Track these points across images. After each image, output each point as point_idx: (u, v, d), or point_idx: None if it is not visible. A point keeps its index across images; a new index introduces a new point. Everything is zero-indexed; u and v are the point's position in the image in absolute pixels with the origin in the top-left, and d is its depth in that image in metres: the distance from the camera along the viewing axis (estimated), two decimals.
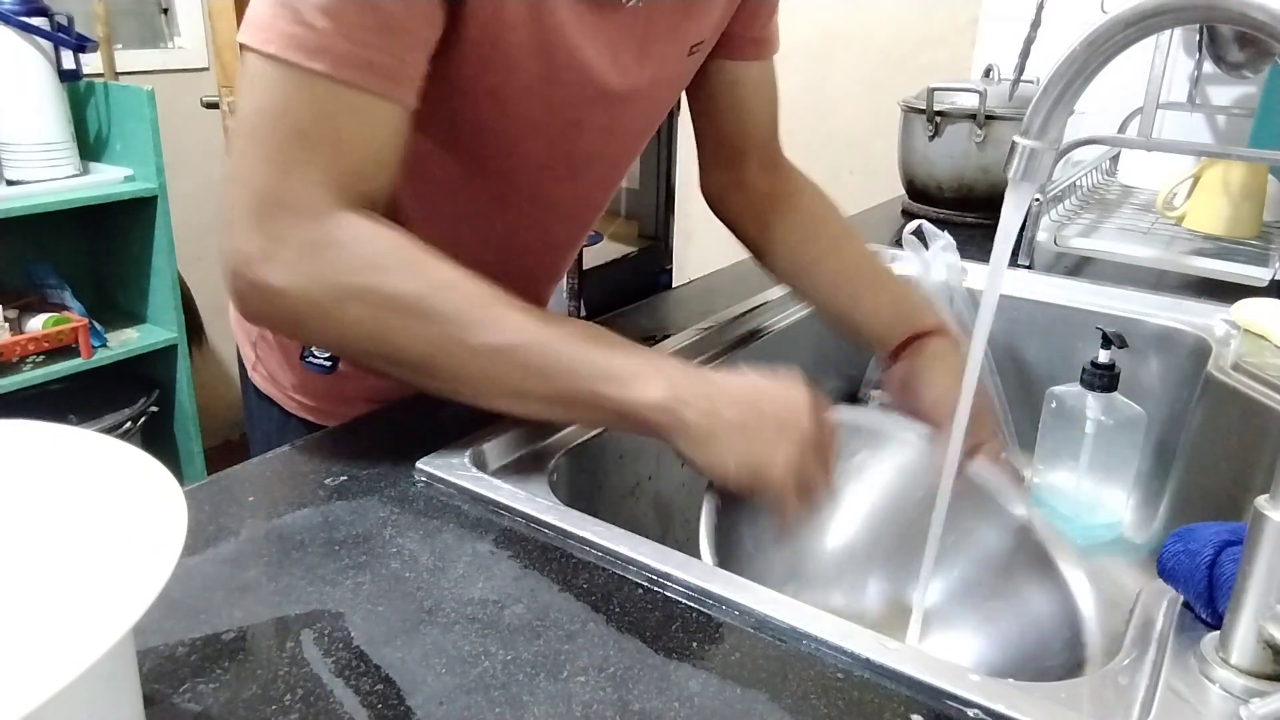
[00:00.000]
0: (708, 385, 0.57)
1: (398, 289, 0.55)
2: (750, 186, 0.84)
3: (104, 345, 1.92)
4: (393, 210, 0.60)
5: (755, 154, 0.84)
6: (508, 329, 0.55)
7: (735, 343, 0.85)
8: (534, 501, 0.54)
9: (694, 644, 0.44)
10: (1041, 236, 1.07)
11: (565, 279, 1.30)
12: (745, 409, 0.56)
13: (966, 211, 1.29)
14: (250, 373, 0.85)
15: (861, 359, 1.02)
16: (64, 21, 1.83)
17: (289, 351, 0.79)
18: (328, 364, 0.76)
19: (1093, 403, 0.84)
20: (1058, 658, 0.53)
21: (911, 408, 0.71)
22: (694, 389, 0.56)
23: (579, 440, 0.65)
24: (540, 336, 0.56)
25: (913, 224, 1.05)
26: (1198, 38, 1.29)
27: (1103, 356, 0.83)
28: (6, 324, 1.77)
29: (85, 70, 1.91)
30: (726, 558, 0.54)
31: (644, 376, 0.56)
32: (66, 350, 1.84)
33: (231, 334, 0.88)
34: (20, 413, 0.40)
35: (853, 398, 1.04)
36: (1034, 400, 0.91)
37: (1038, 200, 1.06)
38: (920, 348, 0.73)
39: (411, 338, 0.55)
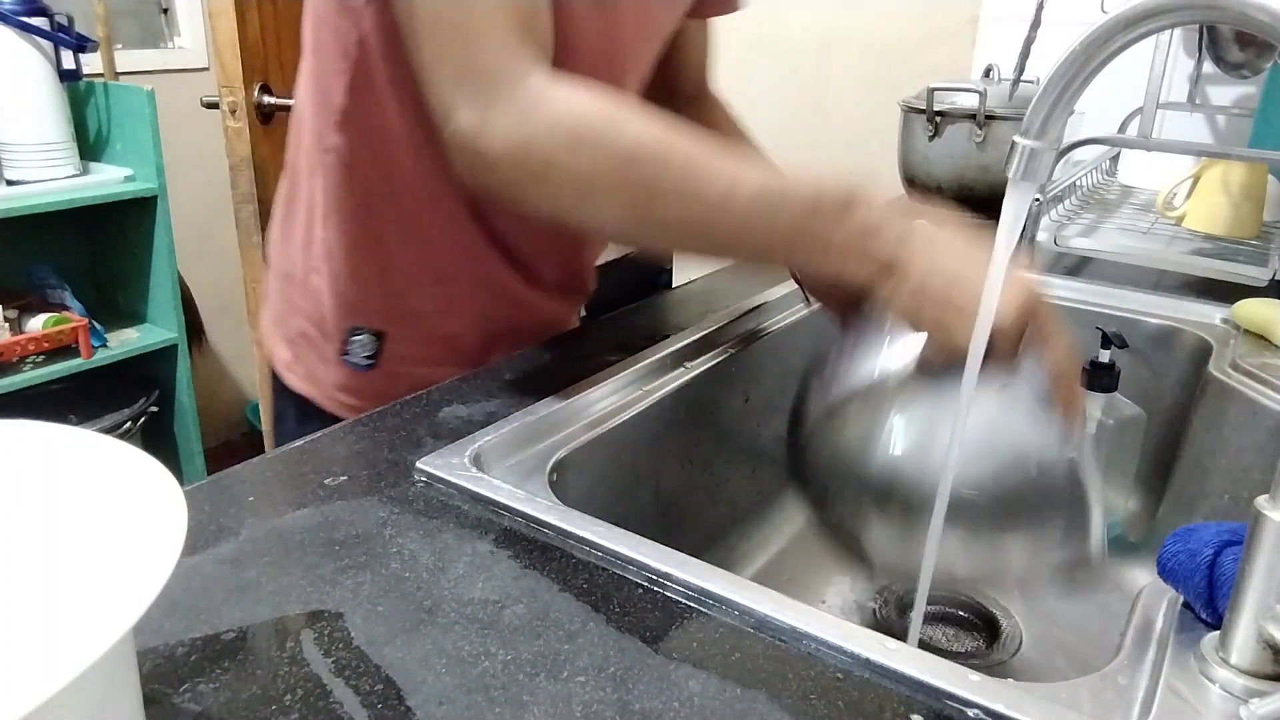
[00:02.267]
0: (912, 249, 0.57)
1: (625, 136, 0.59)
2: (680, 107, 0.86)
3: (104, 345, 1.92)
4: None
5: (684, 90, 0.88)
6: (743, 176, 0.59)
7: (735, 343, 0.85)
8: (534, 501, 0.54)
9: (694, 644, 0.44)
10: (1041, 236, 1.07)
11: None
12: (950, 276, 0.56)
13: (966, 211, 1.28)
14: (284, 373, 0.84)
15: None
16: (64, 21, 1.83)
17: (329, 349, 0.80)
18: (368, 361, 0.77)
19: (1093, 403, 0.84)
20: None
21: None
22: (902, 255, 0.57)
23: (579, 440, 0.65)
24: (773, 182, 0.59)
25: None
26: (1198, 38, 1.29)
27: (1103, 356, 0.83)
28: (6, 324, 1.77)
29: (85, 70, 1.92)
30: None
31: (839, 251, 0.59)
32: (66, 350, 1.85)
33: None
34: (20, 413, 0.40)
35: None
36: None
37: (1038, 200, 1.06)
38: None
39: (648, 182, 0.59)
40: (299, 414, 0.84)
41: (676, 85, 0.88)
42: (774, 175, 0.60)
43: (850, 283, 0.59)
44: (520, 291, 0.82)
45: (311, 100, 0.75)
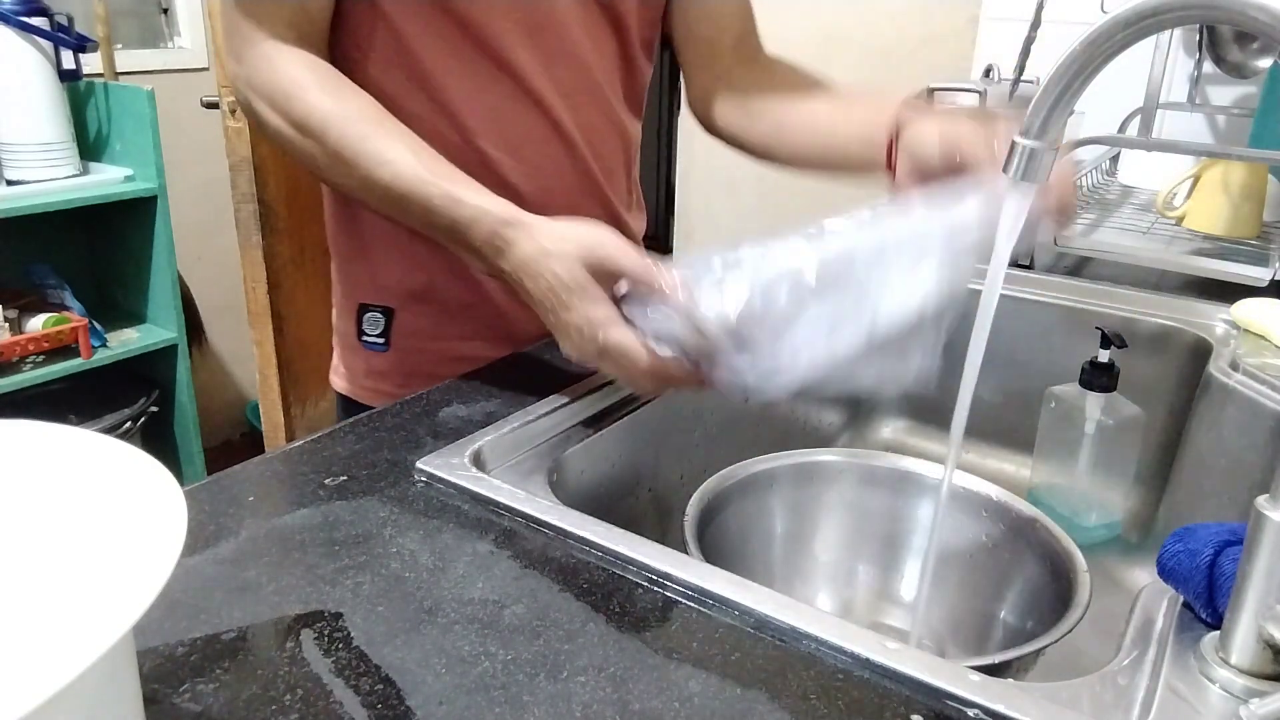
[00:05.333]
0: (524, 250, 0.62)
1: (299, 104, 0.67)
2: (731, 83, 0.85)
3: (104, 345, 1.92)
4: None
5: (731, 50, 0.86)
6: (385, 164, 0.65)
7: None
8: (534, 501, 0.54)
9: (694, 644, 0.44)
10: (1041, 236, 1.07)
11: None
12: (537, 280, 0.62)
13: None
14: (332, 378, 0.86)
15: None
16: (64, 21, 1.83)
17: (350, 334, 0.82)
18: (380, 341, 0.78)
19: (1092, 402, 0.84)
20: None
21: (932, 167, 0.66)
22: (514, 252, 0.63)
23: (579, 440, 0.65)
24: (413, 178, 0.65)
25: None
26: (1198, 38, 1.29)
27: (1102, 356, 0.83)
28: (6, 324, 1.77)
29: (85, 70, 1.91)
30: (712, 552, 0.53)
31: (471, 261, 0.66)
32: (66, 350, 1.85)
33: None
34: (20, 413, 0.40)
35: (855, 402, 1.04)
36: (1034, 400, 0.91)
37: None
38: (911, 121, 0.70)
39: (308, 156, 0.68)
40: (344, 414, 0.85)
41: (715, 42, 0.86)
42: (419, 169, 0.66)
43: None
44: None
45: None
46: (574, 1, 0.75)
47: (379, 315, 0.80)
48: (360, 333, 0.81)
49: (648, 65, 0.86)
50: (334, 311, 0.86)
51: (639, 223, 0.91)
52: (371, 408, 0.78)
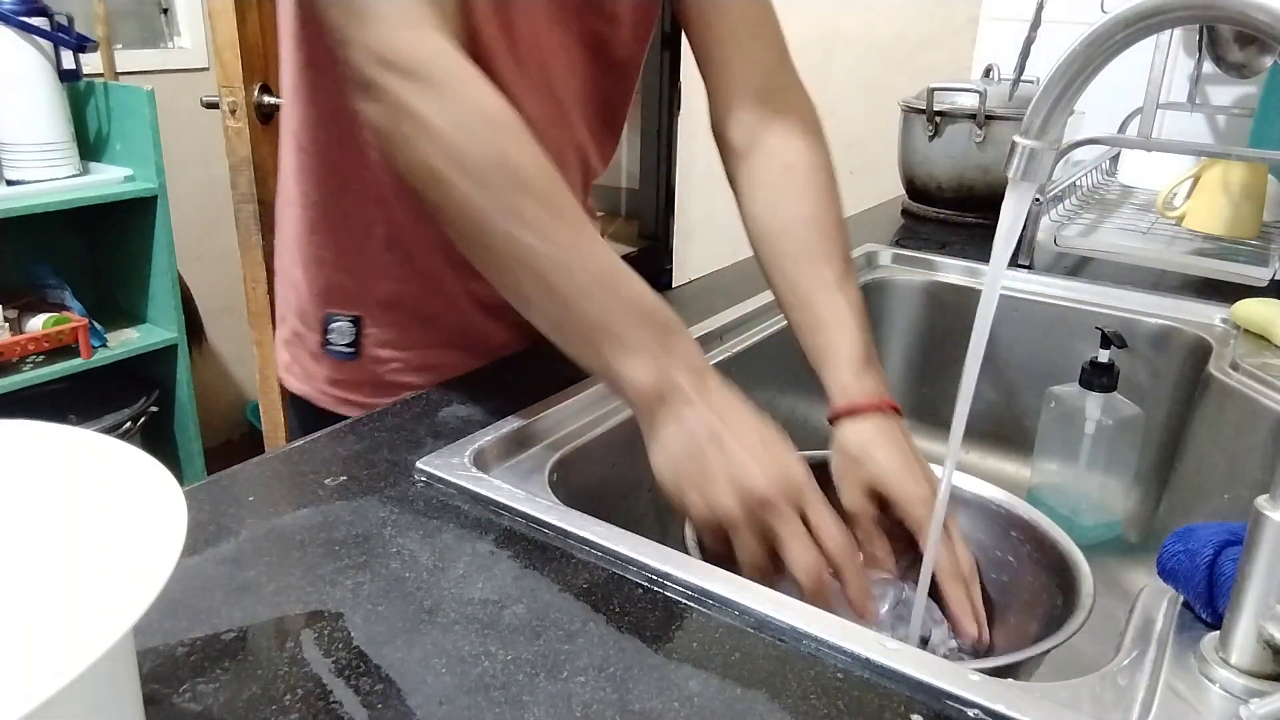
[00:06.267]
0: (700, 393, 0.55)
1: (472, 157, 0.56)
2: (739, 119, 0.76)
3: (104, 345, 1.92)
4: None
5: (755, 83, 0.76)
6: (548, 233, 0.56)
7: (735, 342, 0.85)
8: (534, 501, 0.54)
9: (694, 644, 0.44)
10: (1041, 236, 1.07)
11: None
12: (712, 435, 0.54)
13: (966, 211, 1.29)
14: (284, 376, 0.84)
15: None
16: (64, 21, 1.83)
17: (314, 341, 0.80)
18: (349, 350, 0.77)
19: (1092, 402, 0.84)
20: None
21: (867, 494, 0.62)
22: (683, 390, 0.55)
23: (579, 440, 0.65)
24: (570, 257, 0.56)
25: None
26: (1198, 38, 1.29)
27: (1102, 356, 0.83)
28: (6, 324, 1.77)
29: (85, 70, 1.91)
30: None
31: (641, 351, 0.55)
32: (66, 350, 1.85)
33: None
34: (20, 413, 0.40)
35: None
36: (1034, 400, 0.91)
37: (1038, 200, 1.06)
38: (872, 422, 0.64)
39: (456, 201, 0.57)
40: (300, 416, 0.84)
41: (739, 79, 0.76)
42: (614, 256, 0.57)
43: (619, 392, 0.57)
44: None
45: (285, 87, 0.76)
46: (553, 21, 0.72)
47: (348, 324, 0.78)
48: (326, 341, 0.78)
49: (630, 81, 0.82)
50: (289, 317, 0.82)
51: (597, 227, 0.89)
52: (338, 416, 0.77)
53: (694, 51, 0.78)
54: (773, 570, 0.54)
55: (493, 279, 0.60)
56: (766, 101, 0.76)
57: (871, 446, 0.62)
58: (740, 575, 0.50)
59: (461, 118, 0.56)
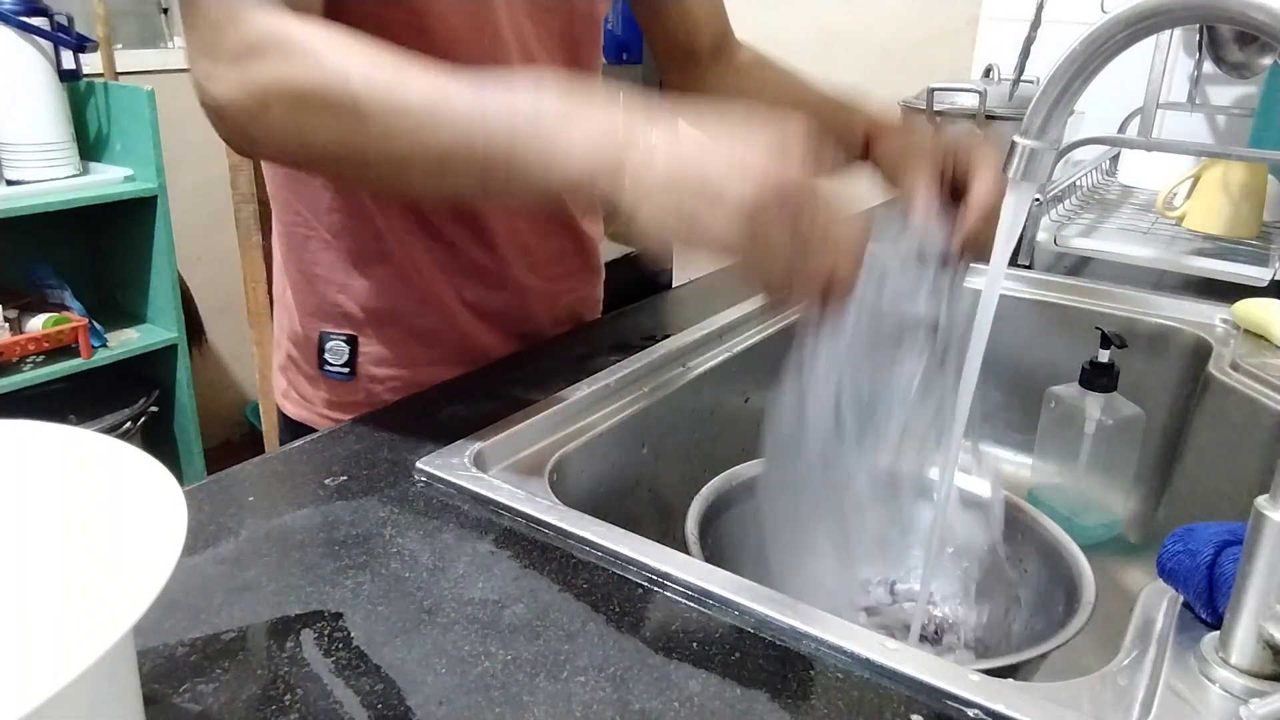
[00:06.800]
0: (657, 134, 0.49)
1: (300, 80, 0.52)
2: (708, 86, 0.86)
3: (104, 345, 1.92)
4: None
5: (708, 53, 0.87)
6: (412, 93, 0.52)
7: (735, 342, 0.85)
8: (534, 501, 0.54)
9: (694, 644, 0.44)
10: (1041, 236, 1.07)
11: None
12: (685, 164, 0.48)
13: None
14: (282, 402, 0.84)
15: None
16: (64, 21, 1.83)
17: (310, 364, 0.79)
18: (345, 370, 0.77)
19: (1092, 402, 0.84)
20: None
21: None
22: (634, 142, 0.49)
23: (579, 440, 0.65)
24: (487, 92, 0.51)
25: None
26: (1198, 38, 1.29)
27: (1102, 356, 0.83)
28: (6, 324, 1.77)
29: (85, 70, 1.91)
30: (713, 552, 0.53)
31: (560, 131, 0.50)
32: (66, 350, 1.84)
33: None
34: (20, 413, 0.40)
35: None
36: (1034, 400, 0.91)
37: (1038, 200, 1.06)
38: (896, 132, 0.72)
39: (324, 132, 0.53)
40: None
41: (693, 48, 0.87)
42: (488, 86, 0.52)
43: (582, 193, 0.53)
44: (493, 274, 0.79)
45: None
46: (524, 17, 0.72)
47: (342, 344, 0.78)
48: (322, 362, 0.78)
49: (596, 28, 0.83)
50: (284, 341, 0.82)
51: (595, 228, 0.89)
52: None
53: (651, 38, 0.87)
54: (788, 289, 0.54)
55: (425, 185, 0.58)
56: (731, 61, 0.87)
57: (927, 135, 0.69)
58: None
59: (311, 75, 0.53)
